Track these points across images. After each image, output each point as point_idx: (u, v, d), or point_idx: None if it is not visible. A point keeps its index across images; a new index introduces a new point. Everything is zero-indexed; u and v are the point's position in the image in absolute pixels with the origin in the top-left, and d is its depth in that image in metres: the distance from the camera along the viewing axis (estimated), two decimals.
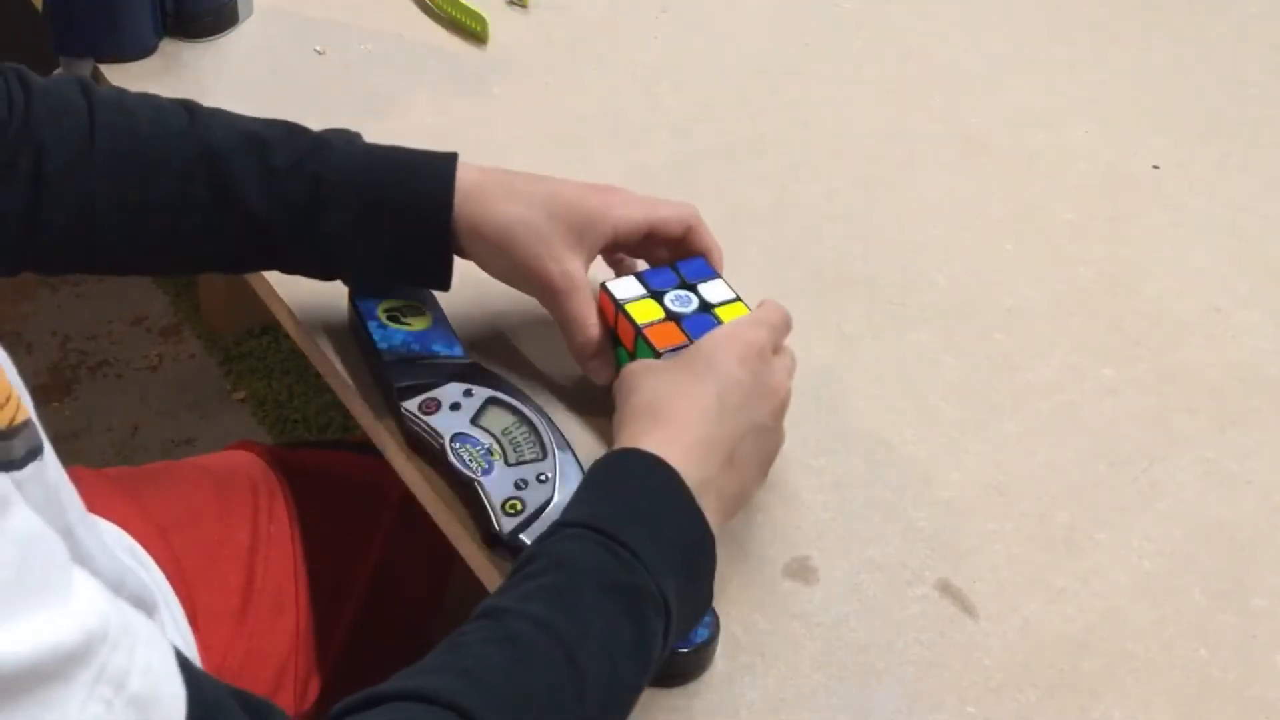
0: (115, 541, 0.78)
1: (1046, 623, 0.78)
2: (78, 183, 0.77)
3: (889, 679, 0.74)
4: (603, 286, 0.83)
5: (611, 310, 0.83)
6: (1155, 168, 1.14)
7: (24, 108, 0.77)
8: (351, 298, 0.87)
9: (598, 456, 0.81)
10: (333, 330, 0.89)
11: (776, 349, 0.79)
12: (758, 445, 0.76)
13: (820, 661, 0.74)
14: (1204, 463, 0.88)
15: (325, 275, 0.85)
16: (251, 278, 0.95)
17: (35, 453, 0.53)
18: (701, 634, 0.71)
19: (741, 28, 1.27)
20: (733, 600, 0.76)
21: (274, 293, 0.92)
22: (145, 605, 0.67)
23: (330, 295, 0.90)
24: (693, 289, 0.84)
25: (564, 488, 0.76)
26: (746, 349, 0.75)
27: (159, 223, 0.80)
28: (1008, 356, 0.95)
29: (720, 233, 1.03)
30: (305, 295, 0.91)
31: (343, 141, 0.82)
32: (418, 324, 0.86)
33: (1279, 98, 1.25)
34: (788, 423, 0.83)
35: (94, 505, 0.83)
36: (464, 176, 0.80)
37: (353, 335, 0.88)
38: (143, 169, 0.79)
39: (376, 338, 0.84)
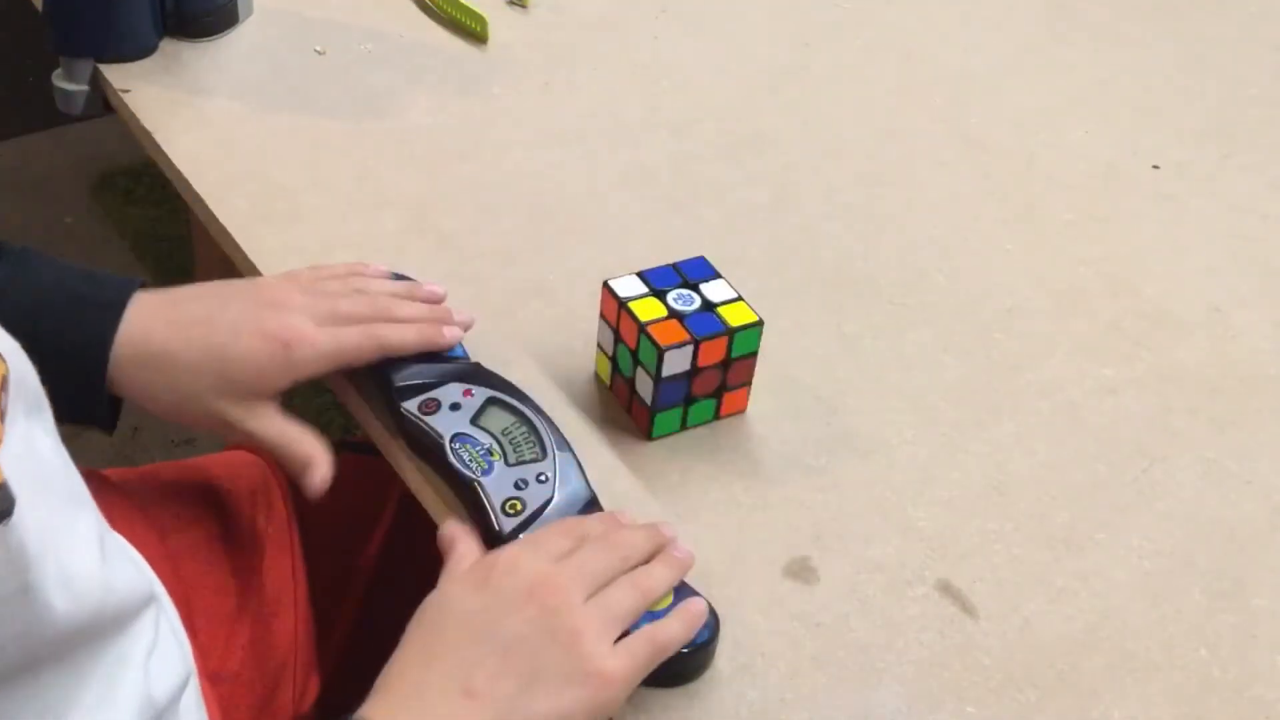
0: (126, 550, 0.78)
1: (1046, 623, 0.78)
2: None
3: (889, 679, 0.74)
4: (605, 285, 0.83)
5: (614, 308, 0.83)
6: (1155, 168, 1.14)
7: None
8: None
9: (596, 456, 0.82)
10: None
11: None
12: (505, 660, 0.65)
13: (820, 661, 0.74)
14: (1204, 463, 0.88)
15: None
16: (252, 277, 0.95)
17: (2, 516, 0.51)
18: (702, 634, 0.71)
19: (741, 28, 1.27)
20: (733, 600, 0.76)
21: None
22: (139, 613, 0.66)
23: None
24: (694, 288, 0.84)
25: (564, 488, 0.76)
26: (487, 570, 0.69)
27: None
28: (1008, 356, 0.95)
29: (720, 233, 1.03)
30: None
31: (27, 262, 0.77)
32: None
33: (1279, 98, 1.25)
34: (789, 422, 0.84)
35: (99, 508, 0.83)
36: (129, 332, 0.75)
37: None
38: None
39: None
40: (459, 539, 0.72)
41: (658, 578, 0.71)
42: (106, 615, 0.61)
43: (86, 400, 0.75)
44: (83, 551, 0.59)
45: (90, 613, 0.58)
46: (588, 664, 0.65)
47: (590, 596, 0.67)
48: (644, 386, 0.82)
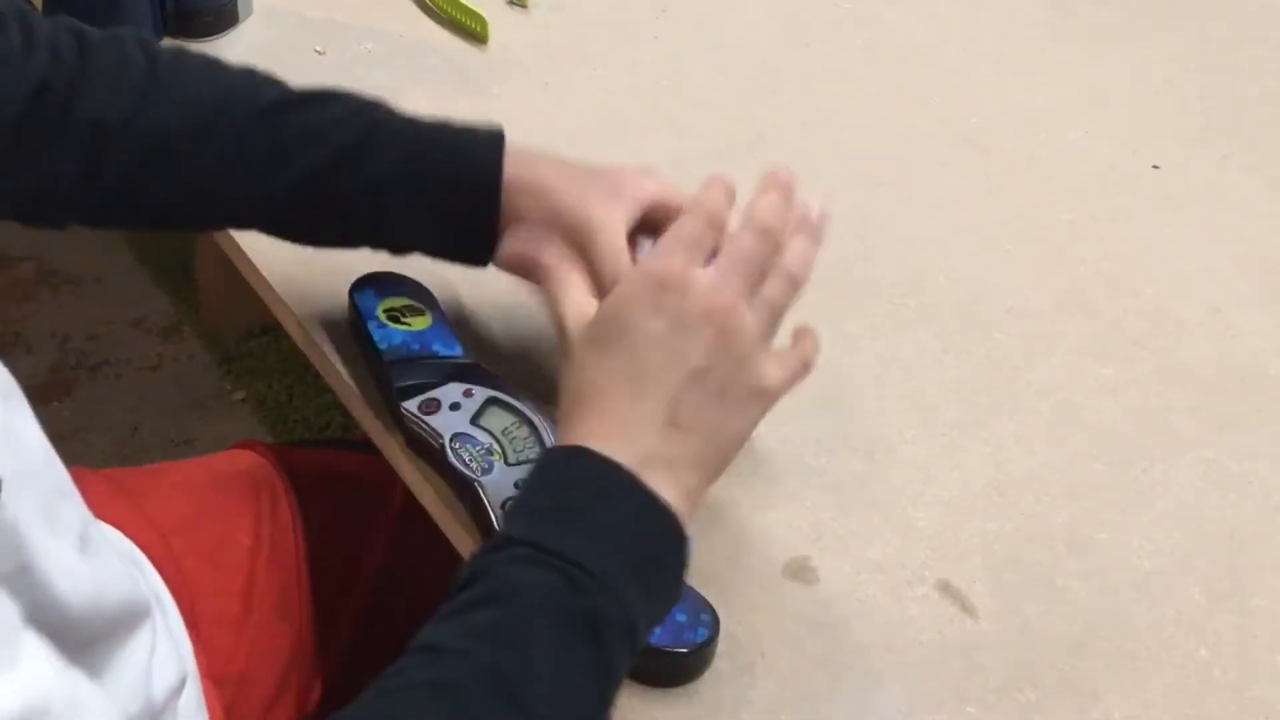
0: (116, 547, 0.78)
1: (1046, 623, 0.78)
2: (135, 132, 0.77)
3: (889, 679, 0.74)
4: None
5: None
6: (1155, 168, 1.14)
7: (77, 58, 0.77)
8: (351, 297, 0.87)
9: None
10: (333, 330, 0.89)
11: (697, 259, 0.69)
12: (704, 391, 0.67)
13: (820, 661, 0.74)
14: (1204, 463, 0.88)
15: (374, 226, 0.82)
16: (252, 277, 0.95)
17: None
18: (701, 634, 0.71)
19: (741, 28, 1.27)
20: (733, 600, 0.76)
21: (274, 293, 0.92)
22: (135, 612, 0.66)
23: (330, 295, 0.90)
24: None
25: None
26: (657, 290, 0.67)
27: (214, 169, 0.79)
28: (1008, 356, 0.95)
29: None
30: (305, 295, 0.91)
31: (395, 108, 0.83)
32: (418, 324, 0.86)
33: (1279, 98, 1.25)
34: (789, 422, 0.83)
35: (96, 507, 0.83)
36: (512, 140, 0.80)
37: (353, 335, 0.88)
38: (201, 118, 0.78)
39: (376, 338, 0.84)
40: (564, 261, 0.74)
41: (803, 256, 0.73)
42: (102, 610, 0.61)
43: (474, 220, 0.79)
44: (65, 543, 0.58)
45: (87, 602, 0.58)
46: (762, 382, 0.69)
47: (751, 298, 0.70)
48: None
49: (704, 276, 0.68)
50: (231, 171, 0.79)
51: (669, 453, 0.66)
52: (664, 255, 0.69)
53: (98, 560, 0.62)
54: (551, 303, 0.73)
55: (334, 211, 0.80)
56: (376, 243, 0.83)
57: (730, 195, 0.72)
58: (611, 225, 0.74)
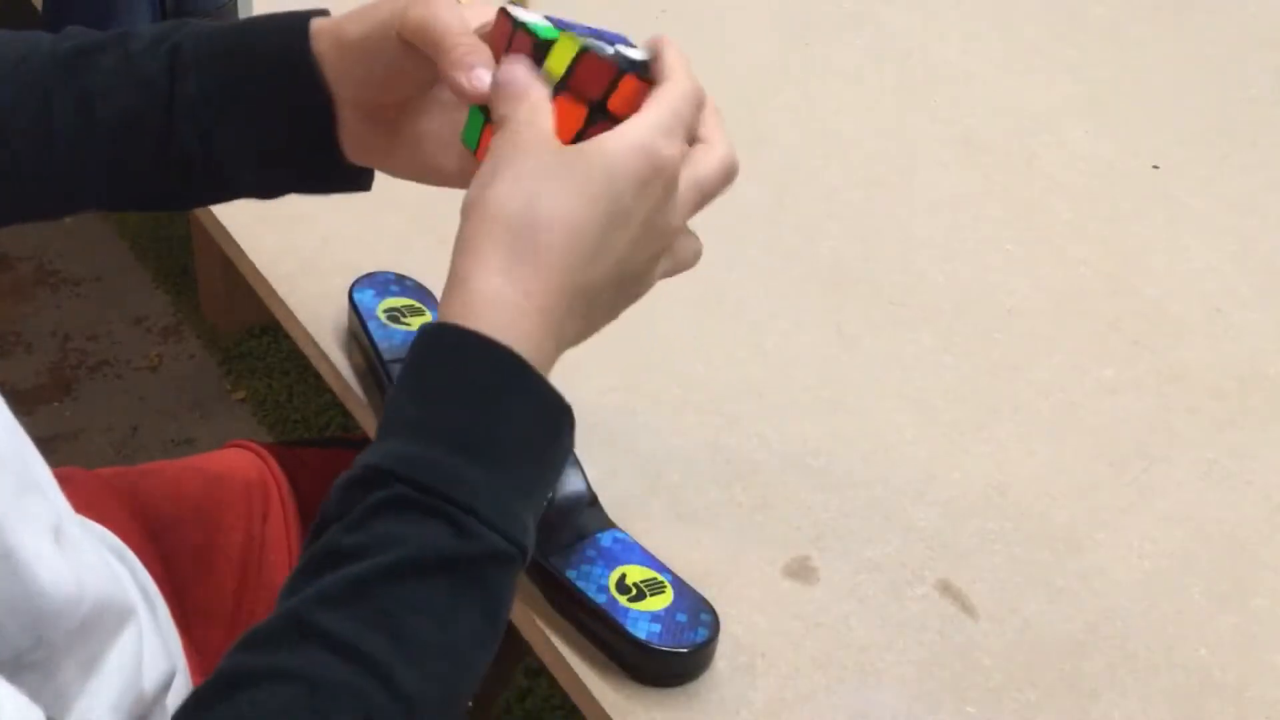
0: (99, 544, 0.78)
1: (1046, 623, 0.78)
2: None
3: (889, 679, 0.74)
4: (501, 11, 0.65)
5: (505, 36, 0.64)
6: (1155, 168, 1.14)
7: None
8: (351, 297, 0.87)
9: (595, 457, 0.82)
10: (333, 330, 0.89)
11: (685, 144, 0.64)
12: (621, 294, 0.63)
13: (820, 661, 0.74)
14: (1204, 463, 0.88)
15: (206, 154, 0.72)
16: (252, 277, 0.95)
17: None
18: (701, 634, 0.71)
19: (741, 28, 1.27)
20: (733, 600, 0.76)
21: (274, 293, 0.92)
22: (117, 609, 0.66)
23: (330, 295, 0.90)
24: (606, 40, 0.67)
25: (564, 488, 0.76)
26: (655, 172, 0.60)
27: (25, 143, 0.71)
28: (1008, 356, 0.95)
29: (720, 233, 1.03)
30: (305, 295, 0.91)
31: (208, 21, 0.74)
32: (418, 324, 0.86)
33: (1279, 98, 1.25)
34: (789, 422, 0.83)
35: (86, 505, 0.83)
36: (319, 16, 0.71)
37: (353, 335, 0.88)
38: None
39: (376, 337, 0.84)
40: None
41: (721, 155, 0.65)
42: (81, 603, 0.61)
43: (302, 88, 0.70)
44: (38, 537, 0.58)
45: (66, 594, 0.58)
46: (673, 270, 0.66)
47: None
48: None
49: (684, 178, 0.63)
50: (42, 127, 0.71)
51: (569, 336, 0.62)
52: (667, 138, 0.61)
53: (74, 555, 0.62)
54: (505, 97, 0.62)
55: (161, 152, 0.71)
56: (220, 174, 0.73)
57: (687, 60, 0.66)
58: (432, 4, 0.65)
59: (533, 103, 0.61)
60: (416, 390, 0.58)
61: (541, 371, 0.58)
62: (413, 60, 0.66)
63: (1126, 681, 0.75)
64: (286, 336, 0.95)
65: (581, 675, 0.72)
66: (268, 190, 0.76)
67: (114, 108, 0.70)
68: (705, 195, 0.65)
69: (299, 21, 0.70)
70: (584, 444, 0.81)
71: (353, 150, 0.72)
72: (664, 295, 0.97)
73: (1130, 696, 0.74)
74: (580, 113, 0.62)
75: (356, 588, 0.53)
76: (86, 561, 0.63)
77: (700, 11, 1.27)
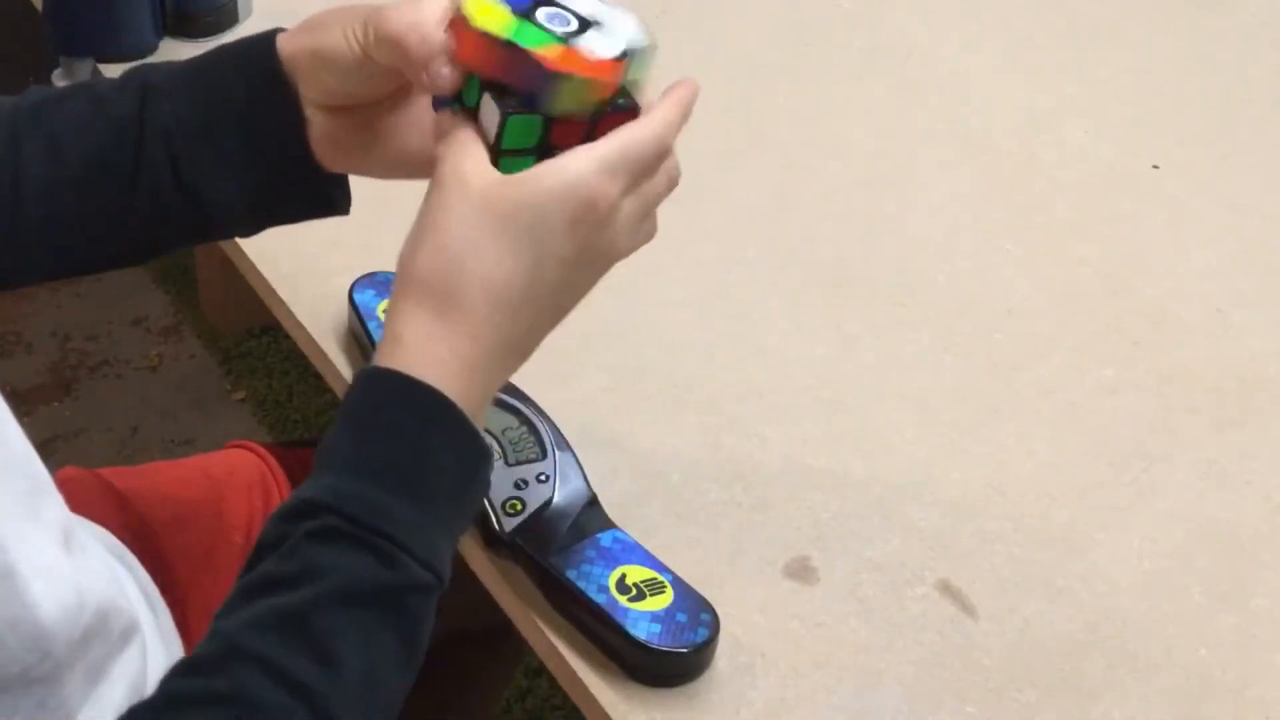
0: (99, 545, 0.77)
1: (1046, 623, 0.78)
2: None
3: (889, 679, 0.74)
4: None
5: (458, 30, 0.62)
6: (1155, 168, 1.14)
7: None
8: (351, 297, 0.87)
9: (595, 457, 0.82)
10: (333, 330, 0.89)
11: (632, 187, 0.62)
12: (560, 317, 0.64)
13: (820, 661, 0.74)
14: (1204, 463, 0.88)
15: (180, 195, 0.70)
16: (252, 277, 0.95)
17: None
18: (701, 634, 0.71)
19: (741, 28, 1.27)
20: (733, 600, 0.76)
21: (274, 293, 0.92)
22: (120, 614, 0.66)
23: (330, 295, 0.90)
24: (566, 9, 0.63)
25: (564, 488, 0.76)
26: (587, 210, 0.60)
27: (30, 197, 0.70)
28: (1008, 356, 0.95)
29: (720, 233, 1.03)
30: (305, 295, 0.91)
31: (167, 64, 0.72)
32: None
33: (1279, 98, 1.25)
34: (789, 422, 0.83)
35: (85, 507, 0.83)
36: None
37: (353, 335, 0.88)
38: None
39: (376, 338, 0.84)
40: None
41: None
42: (83, 611, 0.60)
43: (275, 107, 0.69)
44: (47, 542, 0.58)
45: (66, 605, 0.58)
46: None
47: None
48: (490, 119, 0.62)
49: (624, 216, 0.62)
50: (9, 174, 0.69)
51: (511, 366, 0.63)
52: (605, 175, 0.60)
53: (82, 559, 0.62)
54: (446, 136, 0.63)
55: (131, 189, 0.70)
56: (195, 206, 0.71)
57: (687, 114, 0.65)
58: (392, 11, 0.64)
59: (460, 141, 0.62)
60: (350, 429, 0.61)
61: (470, 413, 0.61)
62: (378, 64, 0.66)
63: (1126, 681, 0.75)
64: (286, 336, 0.95)
65: (581, 675, 0.72)
66: (244, 218, 0.73)
67: (83, 148, 0.69)
68: (648, 201, 0.64)
69: (264, 39, 0.69)
70: (584, 444, 0.81)
71: (329, 157, 0.71)
72: (664, 295, 0.97)
73: (1130, 696, 0.74)
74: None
75: (287, 614, 0.56)
76: (91, 566, 0.63)
77: (700, 11, 1.27)
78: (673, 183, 0.65)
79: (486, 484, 0.63)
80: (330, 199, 0.74)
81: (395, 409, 0.60)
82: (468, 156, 0.61)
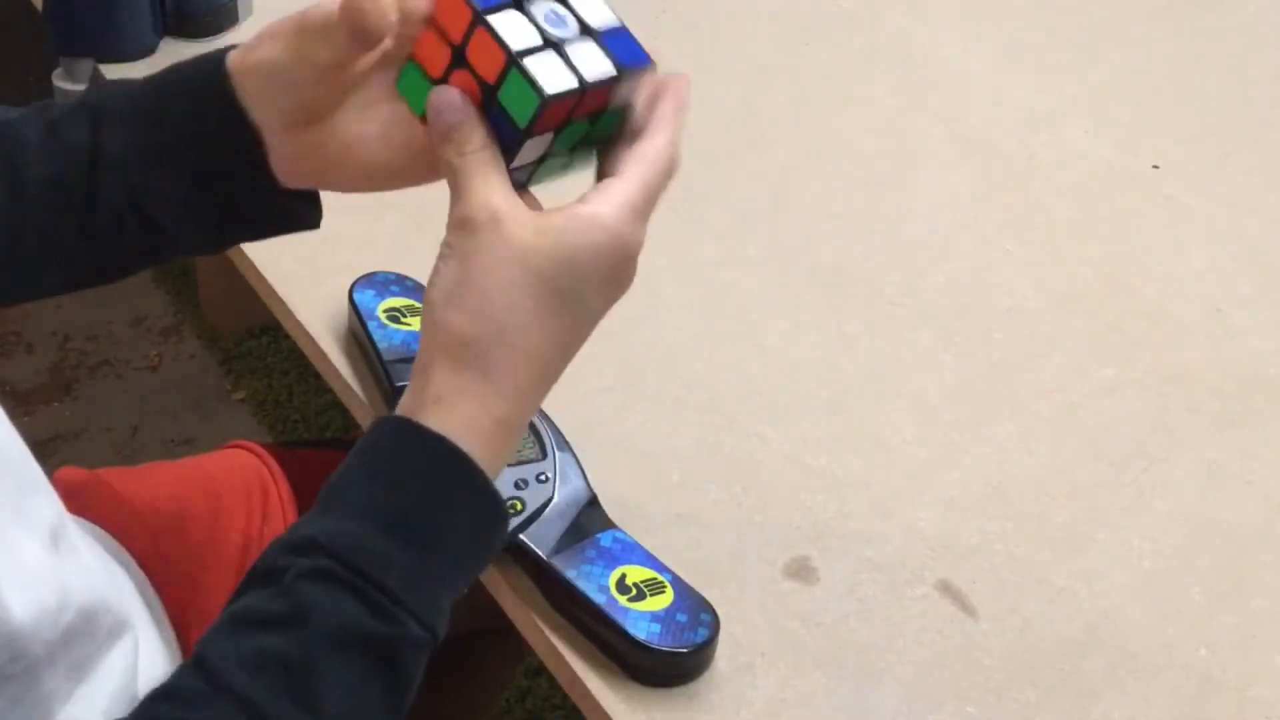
0: (96, 546, 0.77)
1: (1046, 623, 0.78)
2: None
3: (889, 679, 0.74)
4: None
5: (464, 24, 0.59)
6: (1155, 168, 1.14)
7: None
8: (351, 297, 0.87)
9: (595, 457, 0.82)
10: (333, 330, 0.89)
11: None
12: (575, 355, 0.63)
13: (820, 661, 0.74)
14: (1204, 463, 0.88)
15: (137, 216, 0.69)
16: (252, 277, 0.95)
17: None
18: (701, 634, 0.71)
19: (741, 28, 1.27)
20: (733, 600, 0.76)
21: (274, 293, 0.92)
22: (109, 614, 0.66)
23: (330, 295, 0.90)
24: (564, 3, 0.62)
25: (564, 488, 0.76)
26: (625, 263, 0.60)
27: None
28: (1007, 356, 0.95)
29: (720, 233, 1.03)
30: (305, 295, 0.91)
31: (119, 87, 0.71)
32: (418, 324, 0.86)
33: (1279, 98, 1.25)
34: (789, 422, 0.83)
35: (83, 507, 0.83)
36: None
37: (353, 335, 0.88)
38: None
39: (376, 338, 0.84)
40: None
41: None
42: (69, 610, 0.60)
43: (224, 122, 0.67)
44: (31, 542, 0.58)
45: (45, 606, 0.58)
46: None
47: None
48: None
49: (640, 246, 0.62)
50: None
51: (527, 423, 0.63)
52: (637, 221, 0.60)
53: (71, 559, 0.62)
54: (458, 173, 0.60)
55: (89, 213, 0.69)
56: (153, 227, 0.70)
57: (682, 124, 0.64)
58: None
59: (484, 171, 0.59)
60: (365, 473, 0.59)
61: (489, 470, 0.60)
62: (326, 72, 0.64)
63: (1126, 681, 0.75)
64: (286, 336, 0.95)
65: (581, 675, 0.72)
66: (201, 241, 0.72)
67: (39, 174, 0.68)
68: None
69: (214, 58, 0.68)
70: (584, 444, 0.81)
71: (292, 176, 0.69)
72: (664, 295, 0.97)
73: (1130, 696, 0.74)
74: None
75: (272, 654, 0.55)
76: (81, 566, 0.63)
77: (700, 11, 1.27)
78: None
79: (501, 545, 0.62)
80: (293, 215, 0.72)
81: (417, 461, 0.59)
82: (495, 192, 0.59)
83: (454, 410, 0.59)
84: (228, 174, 0.68)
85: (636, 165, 0.61)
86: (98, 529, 0.82)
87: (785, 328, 0.95)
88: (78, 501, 0.84)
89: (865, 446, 0.87)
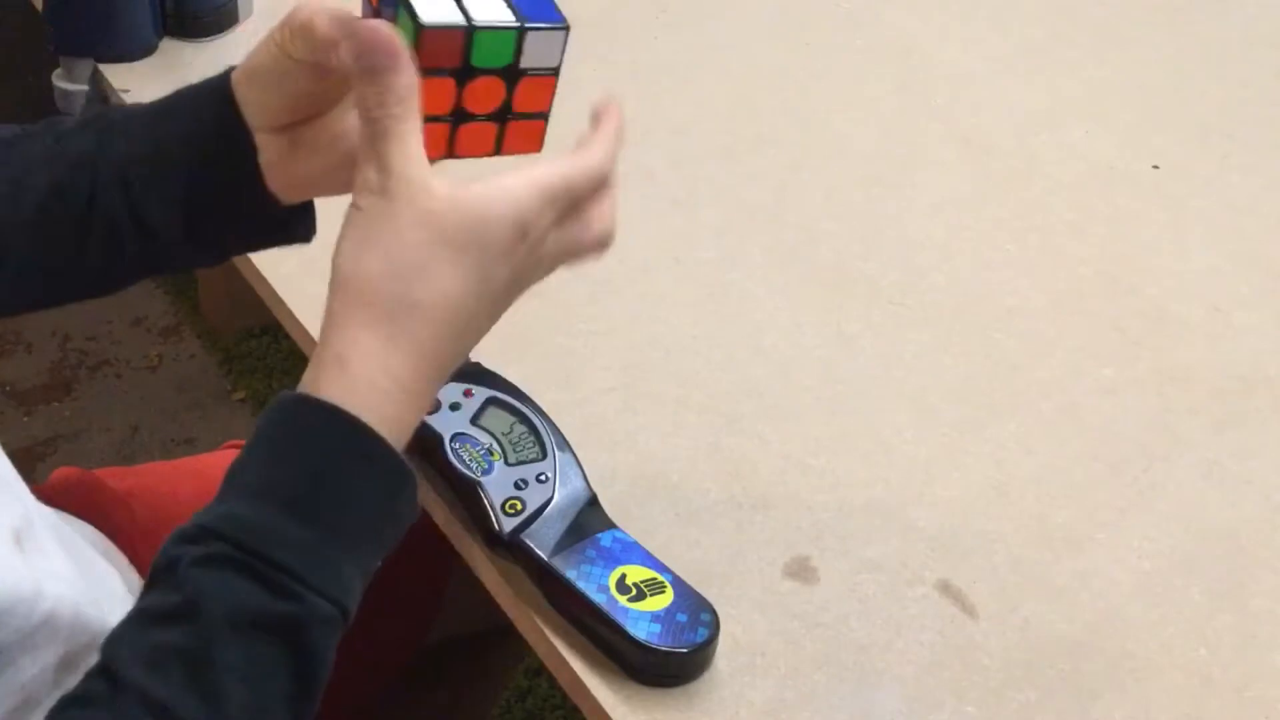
0: (85, 545, 0.77)
1: (1046, 623, 0.78)
2: None
3: (889, 679, 0.74)
4: None
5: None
6: (1155, 168, 1.14)
7: None
8: None
9: (595, 457, 0.82)
10: None
11: (566, 212, 0.62)
12: (477, 340, 0.63)
13: (820, 661, 0.74)
14: (1204, 463, 0.88)
15: (138, 230, 0.71)
16: (252, 277, 0.95)
17: None
18: (701, 634, 0.71)
19: (741, 27, 1.27)
20: (733, 600, 0.76)
21: (274, 293, 0.92)
22: (94, 613, 0.66)
23: None
24: None
25: (564, 488, 0.76)
26: (521, 237, 0.60)
27: None
28: (1008, 356, 0.95)
29: (720, 232, 1.03)
30: (305, 295, 0.91)
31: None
32: None
33: (1279, 98, 1.25)
34: (789, 422, 0.83)
35: (81, 507, 0.83)
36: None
37: None
38: None
39: None
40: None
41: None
42: (44, 602, 0.60)
43: (232, 140, 0.69)
44: None
45: (21, 597, 0.58)
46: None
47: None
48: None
49: (548, 248, 0.62)
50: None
51: (434, 391, 0.62)
52: (541, 203, 0.60)
53: (39, 560, 0.62)
54: (375, 134, 0.59)
55: (90, 226, 0.70)
56: (151, 241, 0.71)
57: (622, 139, 0.65)
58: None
59: (402, 142, 0.59)
60: (258, 453, 0.59)
61: (399, 437, 0.59)
62: (309, 68, 0.65)
63: (1126, 681, 0.75)
64: (286, 336, 0.95)
65: (581, 675, 0.72)
66: (196, 253, 0.73)
67: (41, 184, 0.69)
68: (568, 247, 0.63)
69: (221, 77, 0.69)
70: (584, 444, 0.81)
71: (284, 184, 0.70)
72: (664, 295, 0.97)
73: (1130, 696, 0.74)
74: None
75: (170, 647, 0.54)
76: (50, 569, 0.63)
77: (700, 11, 1.27)
78: (601, 245, 0.64)
79: (410, 511, 0.61)
80: (286, 228, 0.72)
81: (309, 435, 0.58)
82: (411, 161, 0.59)
83: (354, 370, 0.58)
84: (223, 183, 0.69)
85: (564, 159, 0.61)
86: (91, 530, 0.82)
87: (785, 328, 0.95)
88: (74, 502, 0.84)
89: (865, 446, 0.87)
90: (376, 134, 0.59)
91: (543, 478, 0.77)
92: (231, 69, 0.69)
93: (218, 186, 0.69)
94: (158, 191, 0.69)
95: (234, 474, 0.58)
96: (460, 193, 0.59)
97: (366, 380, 0.58)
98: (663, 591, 0.73)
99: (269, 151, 0.68)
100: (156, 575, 0.57)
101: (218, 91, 0.68)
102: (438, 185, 0.59)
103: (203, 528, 0.56)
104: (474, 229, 0.59)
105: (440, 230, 0.58)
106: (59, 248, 0.70)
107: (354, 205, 0.60)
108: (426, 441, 0.79)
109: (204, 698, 0.53)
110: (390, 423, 0.59)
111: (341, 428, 0.57)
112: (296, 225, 0.73)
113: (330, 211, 0.91)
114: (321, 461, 0.57)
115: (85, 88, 1.10)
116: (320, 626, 0.56)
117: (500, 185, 0.59)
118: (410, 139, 0.59)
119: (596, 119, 0.65)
